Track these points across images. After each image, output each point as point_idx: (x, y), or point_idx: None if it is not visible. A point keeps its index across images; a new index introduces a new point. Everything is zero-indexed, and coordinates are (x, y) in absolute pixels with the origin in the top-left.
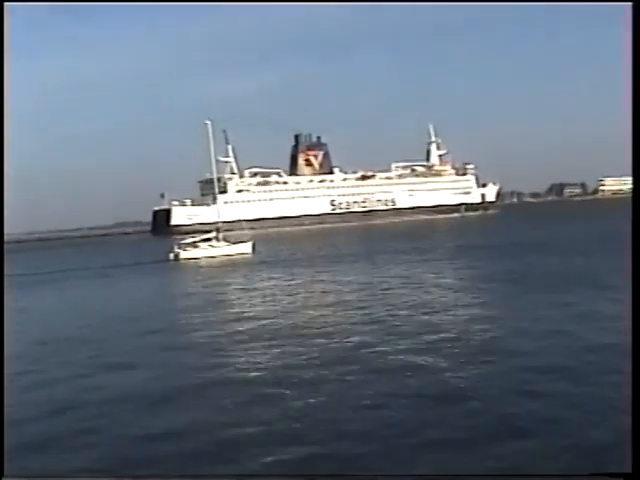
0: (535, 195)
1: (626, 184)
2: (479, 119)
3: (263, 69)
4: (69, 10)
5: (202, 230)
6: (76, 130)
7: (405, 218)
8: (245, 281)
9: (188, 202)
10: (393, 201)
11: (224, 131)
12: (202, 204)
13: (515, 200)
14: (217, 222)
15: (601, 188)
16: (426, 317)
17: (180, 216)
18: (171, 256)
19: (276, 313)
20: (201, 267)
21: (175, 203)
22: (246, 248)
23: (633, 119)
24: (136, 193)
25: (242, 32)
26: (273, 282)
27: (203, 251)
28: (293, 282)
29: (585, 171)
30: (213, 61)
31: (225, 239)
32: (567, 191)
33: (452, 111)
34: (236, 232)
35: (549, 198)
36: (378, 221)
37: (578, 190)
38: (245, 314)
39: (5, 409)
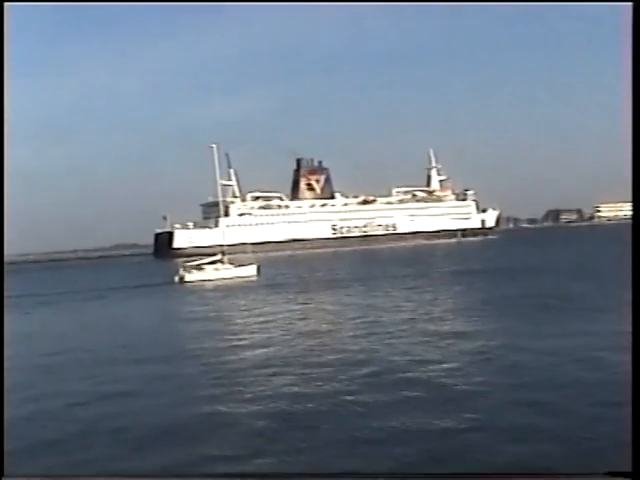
0: (531, 221)
1: (622, 210)
2: (477, 143)
3: (261, 91)
4: (69, 29)
5: (204, 253)
6: (73, 150)
7: (405, 243)
8: (252, 306)
9: (190, 225)
10: (394, 226)
11: (226, 155)
12: (204, 227)
13: (511, 226)
14: (221, 245)
15: (597, 214)
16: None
17: (182, 239)
18: (176, 279)
19: (288, 339)
20: (207, 290)
21: (177, 226)
22: (251, 271)
23: (633, 119)
24: (132, 216)
25: (236, 53)
26: (281, 307)
27: (209, 274)
28: (300, 307)
29: (581, 197)
30: (209, 83)
31: (230, 262)
32: (563, 217)
33: (452, 135)
34: (241, 255)
35: (545, 224)
36: (379, 246)
37: (574, 216)
38: (254, 341)
39: (5, 409)
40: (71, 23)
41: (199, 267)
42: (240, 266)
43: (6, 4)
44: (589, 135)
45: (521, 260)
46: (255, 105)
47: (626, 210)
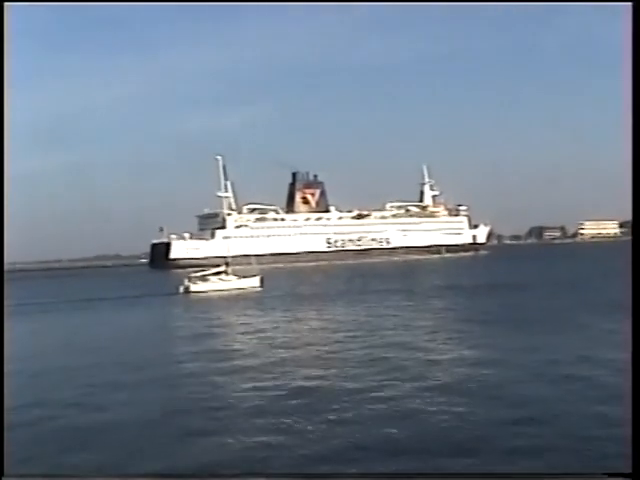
0: (515, 237)
1: (605, 228)
2: (466, 158)
3: (255, 103)
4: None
5: (201, 264)
6: (61, 158)
7: (397, 258)
8: (258, 317)
9: (187, 236)
10: (387, 240)
11: (224, 167)
12: (201, 238)
13: (495, 242)
14: (218, 256)
15: (580, 232)
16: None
17: (179, 250)
18: (181, 289)
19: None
20: (213, 301)
21: (174, 237)
22: (255, 283)
23: (633, 119)
24: (116, 227)
25: (231, 65)
26: (286, 317)
27: (213, 284)
28: (304, 317)
29: (565, 215)
30: (202, 94)
31: (234, 273)
32: (547, 234)
33: (445, 150)
34: (245, 267)
35: (529, 241)
36: (372, 260)
37: (558, 233)
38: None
39: (5, 410)
40: (70, 29)
41: (204, 278)
42: (244, 277)
43: (6, 4)
44: (575, 154)
45: (514, 276)
46: (249, 117)
47: (609, 228)
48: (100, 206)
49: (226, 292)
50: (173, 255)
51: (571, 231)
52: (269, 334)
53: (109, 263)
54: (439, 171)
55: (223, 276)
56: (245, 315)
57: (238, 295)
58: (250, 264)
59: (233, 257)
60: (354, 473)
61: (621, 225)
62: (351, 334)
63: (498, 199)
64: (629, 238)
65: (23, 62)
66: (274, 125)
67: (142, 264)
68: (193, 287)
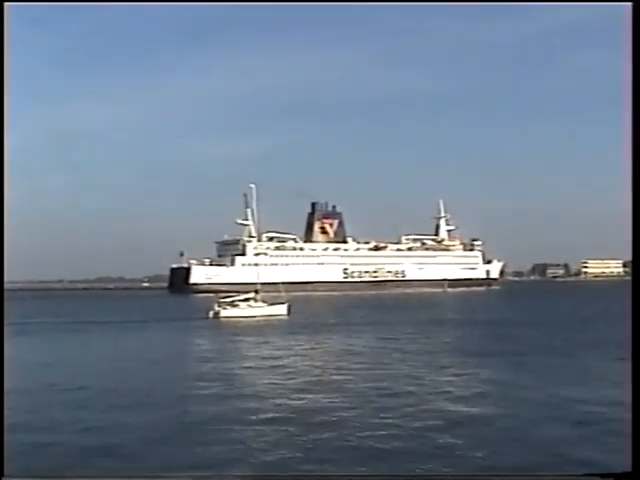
0: (518, 274)
1: (609, 267)
2: (478, 195)
3: (268, 131)
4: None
5: (221, 290)
6: (61, 178)
7: (411, 290)
8: (289, 344)
9: (207, 262)
10: (403, 273)
11: (245, 195)
12: (220, 264)
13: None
14: (239, 283)
15: (584, 270)
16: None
17: (200, 275)
18: (211, 314)
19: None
20: (242, 326)
21: (193, 262)
22: (282, 310)
23: (633, 120)
24: (116, 249)
25: (248, 91)
26: (319, 345)
27: (242, 310)
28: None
29: (568, 252)
30: (218, 120)
31: (263, 300)
32: (550, 271)
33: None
34: (270, 294)
35: (532, 277)
36: (388, 291)
37: (561, 271)
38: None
39: (5, 410)
40: (79, 53)
41: (233, 303)
42: (272, 305)
43: (6, 4)
44: (581, 191)
45: (523, 312)
46: (264, 146)
47: (613, 267)
48: (102, 228)
49: (254, 318)
50: (193, 280)
51: (574, 269)
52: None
53: (111, 285)
54: (454, 206)
55: (252, 302)
56: (277, 343)
57: (265, 322)
58: (279, 291)
59: (254, 284)
60: (354, 473)
61: (625, 265)
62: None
63: (502, 235)
64: None
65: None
66: (290, 155)
67: (147, 287)
68: (223, 312)
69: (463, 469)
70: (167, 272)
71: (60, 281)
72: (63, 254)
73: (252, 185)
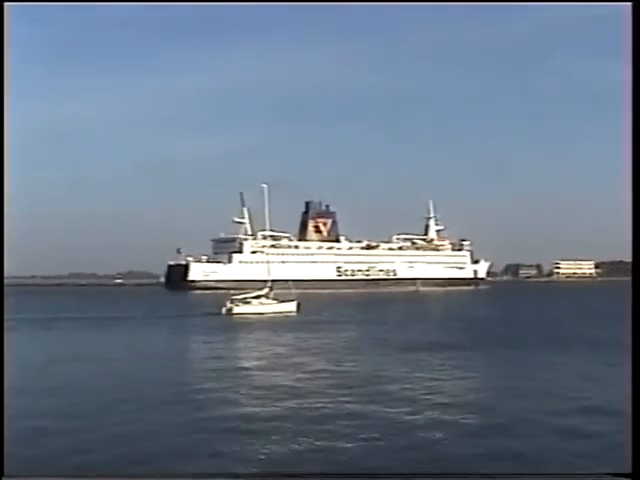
0: (492, 274)
1: (581, 268)
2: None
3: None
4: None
5: (218, 287)
6: (38, 175)
7: (401, 289)
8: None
9: (204, 259)
10: (394, 271)
11: (241, 193)
12: (218, 262)
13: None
14: (235, 280)
15: (556, 271)
16: None
17: (198, 272)
18: (223, 310)
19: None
20: (255, 323)
21: (191, 259)
22: (292, 307)
23: (633, 120)
24: (89, 246)
25: (237, 86)
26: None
27: (254, 307)
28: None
29: (541, 253)
30: (201, 116)
31: (274, 297)
32: (522, 272)
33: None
34: (283, 291)
35: (504, 278)
36: (381, 289)
37: (534, 272)
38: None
39: (5, 409)
40: (67, 49)
41: (245, 300)
42: (282, 302)
43: (6, 4)
44: (555, 194)
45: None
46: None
47: (585, 268)
48: (73, 224)
49: (265, 315)
50: (191, 277)
51: (546, 270)
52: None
53: (84, 281)
54: (444, 206)
55: (263, 300)
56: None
57: (277, 318)
58: (289, 289)
59: (252, 282)
60: (354, 474)
61: (597, 266)
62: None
63: (486, 235)
64: (605, 279)
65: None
66: (278, 153)
67: (120, 284)
68: (235, 309)
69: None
70: (141, 268)
71: (33, 277)
72: (35, 250)
73: (264, 185)
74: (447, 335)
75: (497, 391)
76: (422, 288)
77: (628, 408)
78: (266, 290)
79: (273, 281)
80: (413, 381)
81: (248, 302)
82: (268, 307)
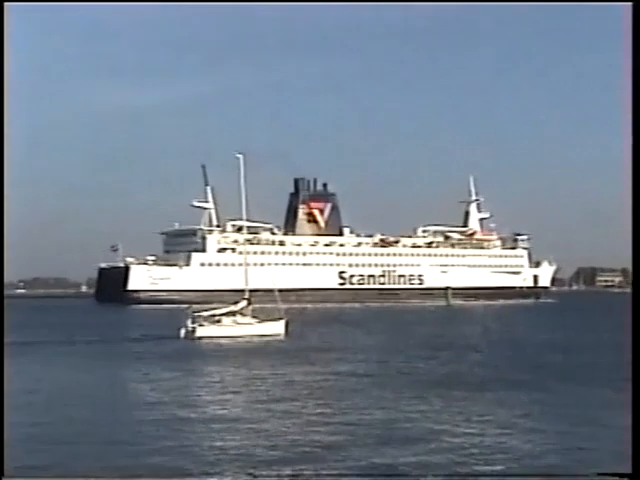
0: (558, 282)
1: None
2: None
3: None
4: None
5: (172, 300)
6: None
7: (432, 302)
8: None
9: (150, 260)
10: (420, 278)
11: (203, 167)
12: (171, 264)
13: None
14: (196, 290)
15: None
16: None
17: (142, 279)
18: (182, 332)
19: None
20: (228, 351)
21: (131, 260)
22: (278, 328)
23: (633, 120)
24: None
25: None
26: None
27: (225, 328)
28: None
29: (627, 253)
30: (138, 56)
31: (254, 314)
32: (601, 279)
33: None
34: (265, 305)
35: (575, 287)
36: (400, 303)
37: (618, 278)
38: None
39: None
40: None
41: (214, 318)
42: (265, 321)
43: (6, 4)
44: None
45: None
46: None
47: None
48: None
49: (242, 339)
50: (133, 286)
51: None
52: None
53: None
54: (488, 187)
55: (238, 318)
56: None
57: (258, 344)
58: (274, 302)
59: (219, 292)
60: (354, 474)
61: None
62: None
63: (539, 227)
64: None
65: None
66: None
67: (24, 295)
68: (200, 331)
69: None
70: (53, 274)
71: None
72: None
73: (239, 155)
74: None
75: None
76: (457, 301)
77: None
78: (242, 304)
79: (252, 291)
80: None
81: (218, 321)
82: (245, 328)
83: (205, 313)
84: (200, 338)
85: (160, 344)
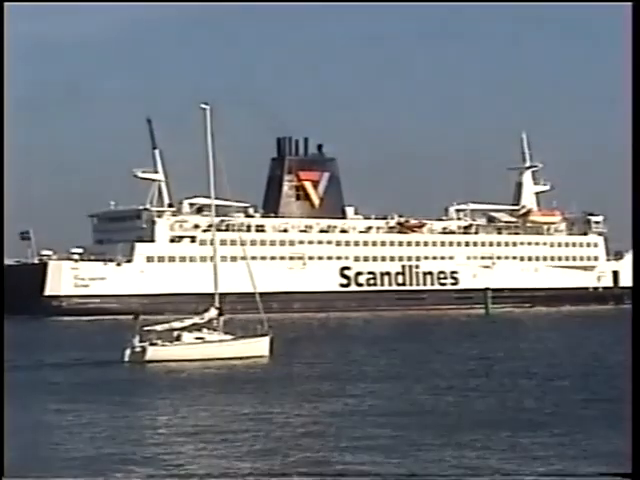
0: None
1: None
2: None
3: None
4: None
5: (108, 310)
6: None
7: (469, 309)
8: None
9: (76, 254)
10: (454, 276)
11: (148, 121)
12: (105, 260)
13: None
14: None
15: None
16: None
17: (65, 280)
18: (127, 353)
19: None
20: (191, 381)
21: (48, 253)
22: (260, 348)
23: (633, 119)
24: None
25: None
26: None
27: (188, 349)
28: None
29: None
30: None
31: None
32: None
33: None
34: (241, 316)
35: None
36: (425, 310)
37: None
38: None
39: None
40: None
41: (171, 335)
42: (243, 337)
43: (6, 4)
44: None
45: None
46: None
47: None
48: None
49: (209, 362)
50: (51, 290)
51: None
52: None
53: None
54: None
55: (206, 334)
56: None
57: (232, 370)
58: (254, 311)
59: (173, 297)
60: (354, 473)
61: None
62: None
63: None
64: None
65: None
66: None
67: None
68: (152, 351)
69: None
70: None
71: None
72: None
73: (205, 106)
74: None
75: None
76: (505, 308)
77: None
78: (211, 314)
79: (223, 295)
80: None
81: (177, 338)
82: (215, 348)
83: (159, 327)
84: (151, 361)
85: (94, 372)
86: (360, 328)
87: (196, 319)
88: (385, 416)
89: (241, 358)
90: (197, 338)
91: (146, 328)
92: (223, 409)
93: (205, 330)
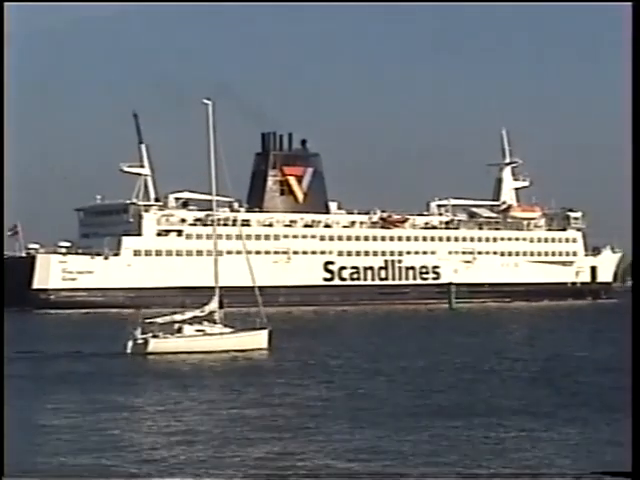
0: (623, 276)
1: None
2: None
3: None
4: None
5: (96, 303)
6: None
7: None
8: None
9: (63, 248)
10: (436, 271)
11: (135, 115)
12: (92, 253)
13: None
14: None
15: None
16: None
17: (53, 273)
18: (130, 345)
19: None
20: (194, 372)
21: (37, 247)
22: (259, 340)
23: (633, 119)
24: None
25: None
26: None
27: (190, 341)
28: None
29: None
30: None
31: (224, 322)
32: None
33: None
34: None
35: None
36: (405, 305)
37: None
38: None
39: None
40: None
41: (172, 326)
42: (242, 330)
43: (6, 4)
44: None
45: None
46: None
47: None
48: None
49: (210, 354)
50: (39, 283)
51: None
52: None
53: None
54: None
55: (206, 326)
56: None
57: (234, 362)
58: (251, 304)
59: (161, 290)
60: (353, 473)
61: None
62: None
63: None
64: None
65: None
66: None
67: None
68: (154, 344)
69: None
70: None
71: None
72: None
73: (207, 101)
74: None
75: None
76: (464, 303)
77: None
78: (212, 306)
79: (192, 289)
80: None
81: (178, 330)
82: (216, 340)
83: (161, 319)
84: (153, 353)
85: (95, 363)
86: (339, 322)
87: (197, 312)
88: None
89: (241, 350)
90: (198, 330)
91: (148, 320)
92: (232, 401)
93: (206, 323)
